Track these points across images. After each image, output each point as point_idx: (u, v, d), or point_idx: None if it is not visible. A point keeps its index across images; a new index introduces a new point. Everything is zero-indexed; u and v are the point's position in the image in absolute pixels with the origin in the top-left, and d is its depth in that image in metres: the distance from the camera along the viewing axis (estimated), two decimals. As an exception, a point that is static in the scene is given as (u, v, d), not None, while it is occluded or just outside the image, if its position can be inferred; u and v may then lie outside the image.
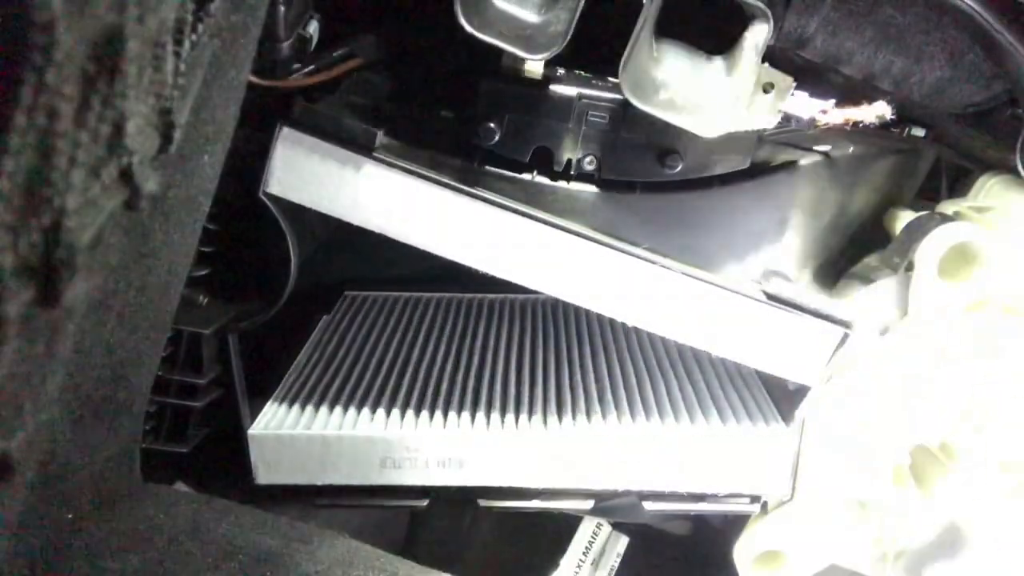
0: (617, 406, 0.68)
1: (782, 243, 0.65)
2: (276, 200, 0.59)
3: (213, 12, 0.32)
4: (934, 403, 0.63)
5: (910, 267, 0.61)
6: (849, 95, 0.65)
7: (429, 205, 0.59)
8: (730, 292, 0.61)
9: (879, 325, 0.62)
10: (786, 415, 0.67)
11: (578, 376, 0.73)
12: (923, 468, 0.68)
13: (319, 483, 0.65)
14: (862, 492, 0.66)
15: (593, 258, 0.60)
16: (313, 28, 0.62)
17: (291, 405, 0.67)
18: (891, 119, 0.67)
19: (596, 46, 0.58)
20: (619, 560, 0.83)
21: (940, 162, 0.72)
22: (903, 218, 0.65)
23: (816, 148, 0.66)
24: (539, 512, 0.68)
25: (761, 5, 0.54)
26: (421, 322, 0.82)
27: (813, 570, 0.71)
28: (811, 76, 0.63)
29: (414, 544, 0.86)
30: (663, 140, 0.62)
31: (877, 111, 0.64)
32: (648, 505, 0.67)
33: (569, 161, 0.62)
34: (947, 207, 0.68)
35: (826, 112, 0.61)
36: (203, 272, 0.64)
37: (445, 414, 0.66)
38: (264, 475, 0.64)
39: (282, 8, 0.58)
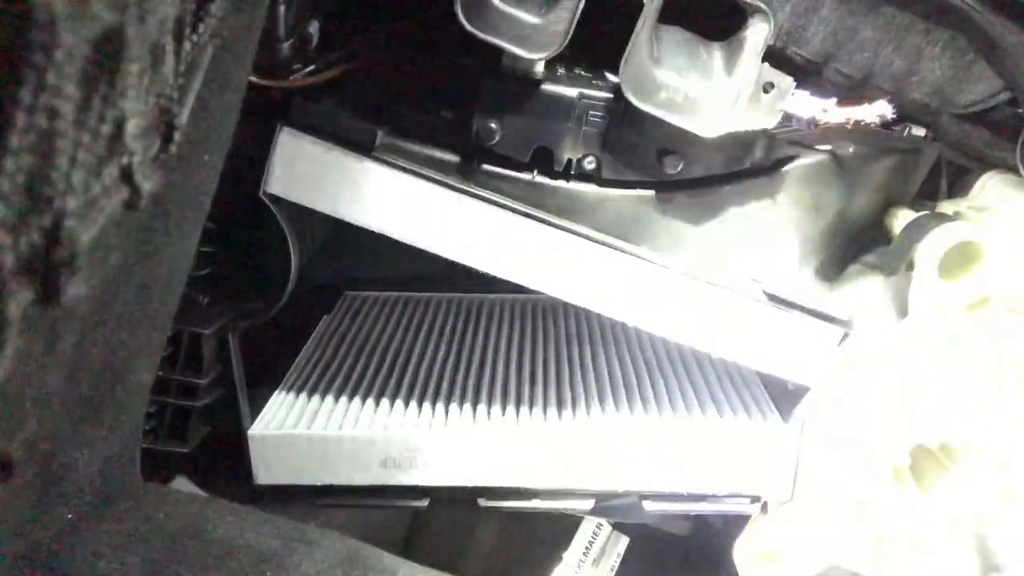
0: (617, 406, 0.68)
1: (782, 243, 0.65)
2: (276, 200, 0.59)
3: (213, 12, 0.32)
4: (934, 403, 0.63)
5: (910, 267, 0.61)
6: (849, 94, 0.65)
7: (429, 205, 0.59)
8: (730, 292, 0.61)
9: (879, 325, 0.62)
10: (786, 415, 0.67)
11: (578, 376, 0.73)
12: (923, 468, 0.68)
13: (319, 483, 0.65)
14: (862, 492, 0.66)
15: (593, 258, 0.60)
16: (313, 28, 0.62)
17: (291, 405, 0.67)
18: (891, 119, 0.67)
19: (596, 46, 0.58)
20: (619, 560, 0.83)
21: (940, 162, 0.72)
22: (903, 218, 0.65)
23: (816, 148, 0.66)
24: (539, 512, 0.68)
25: (761, 5, 0.54)
26: (421, 322, 0.82)
27: (813, 570, 0.71)
28: (811, 76, 0.63)
29: (414, 544, 0.86)
30: (663, 140, 0.61)
31: (877, 110, 0.64)
32: (648, 505, 0.67)
33: (569, 161, 0.62)
34: (947, 207, 0.68)
35: (826, 111, 0.61)
36: (203, 272, 0.64)
37: (445, 414, 0.66)
38: (264, 475, 0.64)
39: (282, 8, 0.58)
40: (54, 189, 0.22)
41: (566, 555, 0.80)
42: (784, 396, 0.68)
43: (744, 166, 0.64)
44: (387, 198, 0.59)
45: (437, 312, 0.85)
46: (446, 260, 0.60)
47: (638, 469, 0.66)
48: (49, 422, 0.45)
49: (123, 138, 0.26)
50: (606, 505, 0.68)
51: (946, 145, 0.71)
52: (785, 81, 0.57)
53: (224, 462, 0.65)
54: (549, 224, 0.59)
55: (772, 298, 0.61)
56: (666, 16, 0.55)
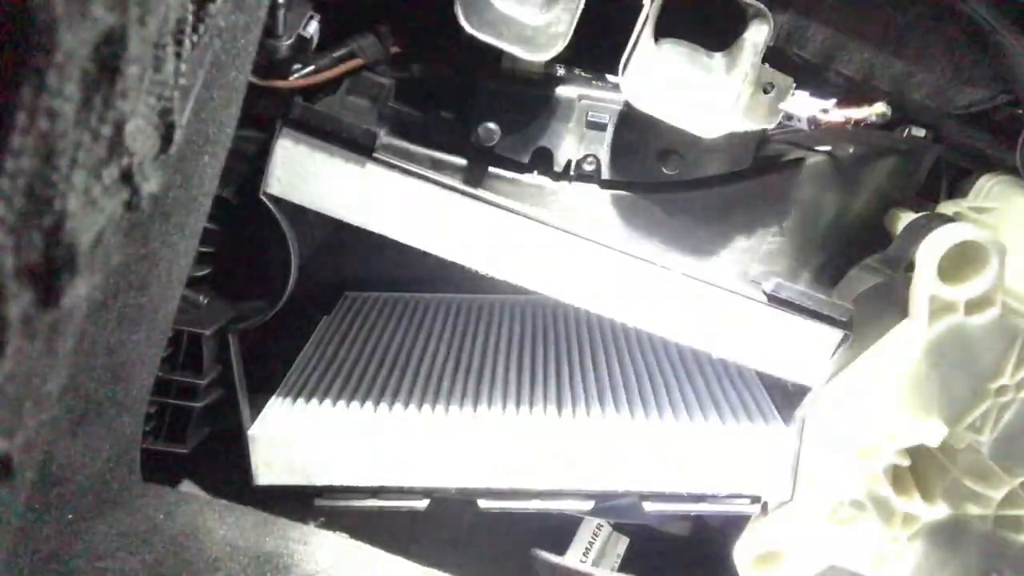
0: (617, 406, 0.68)
1: (782, 243, 0.65)
2: (276, 200, 0.59)
3: (214, 13, 0.32)
4: (934, 403, 0.63)
5: (910, 268, 0.61)
6: (849, 95, 0.65)
7: (429, 206, 0.59)
8: (730, 293, 0.61)
9: (879, 326, 0.62)
10: (786, 415, 0.67)
11: (578, 376, 0.73)
12: (923, 468, 0.68)
13: (319, 483, 0.65)
14: (862, 492, 0.66)
15: (593, 259, 0.60)
16: (313, 28, 0.62)
17: (291, 405, 0.67)
18: (891, 119, 0.67)
19: (596, 47, 0.58)
20: (619, 561, 0.83)
21: (940, 162, 0.72)
22: (903, 218, 0.65)
23: (817, 148, 0.66)
24: (539, 512, 0.68)
25: (761, 5, 0.54)
26: (421, 323, 0.82)
27: (813, 570, 0.70)
28: (811, 76, 0.63)
29: (414, 544, 0.86)
30: (663, 140, 0.62)
31: (877, 111, 0.64)
32: (648, 506, 0.67)
33: (569, 162, 0.62)
34: (947, 207, 0.68)
35: (827, 112, 0.61)
36: (203, 272, 0.64)
37: (445, 414, 0.66)
38: (264, 475, 0.64)
39: (282, 8, 0.58)
40: (54, 190, 0.22)
41: (566, 555, 0.80)
42: (784, 396, 0.68)
43: (744, 167, 0.64)
44: (387, 199, 0.59)
45: (437, 312, 0.85)
46: (446, 261, 0.60)
47: (638, 469, 0.66)
48: (49, 423, 0.45)
49: (123, 139, 0.26)
50: (606, 506, 0.68)
51: (946, 146, 0.71)
52: (785, 82, 0.57)
53: (224, 462, 0.65)
54: (549, 225, 0.59)
55: (772, 299, 0.61)
56: (666, 17, 0.55)
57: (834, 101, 0.62)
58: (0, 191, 0.20)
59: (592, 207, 0.62)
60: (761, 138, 0.64)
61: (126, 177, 0.27)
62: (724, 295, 0.61)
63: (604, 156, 0.62)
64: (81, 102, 0.22)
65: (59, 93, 0.21)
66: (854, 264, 0.67)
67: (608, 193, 0.63)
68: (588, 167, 0.62)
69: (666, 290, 0.61)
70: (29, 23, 0.20)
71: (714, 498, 0.68)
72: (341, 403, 0.67)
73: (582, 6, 0.52)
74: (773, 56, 0.58)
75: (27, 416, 0.25)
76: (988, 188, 0.69)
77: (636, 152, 0.62)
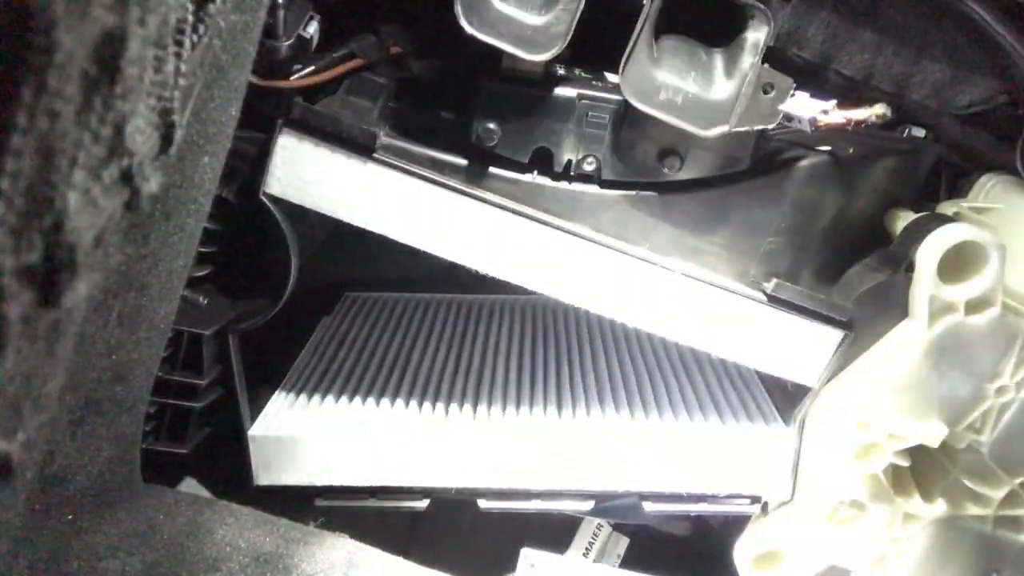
0: (617, 406, 0.68)
1: (782, 243, 0.65)
2: (276, 201, 0.59)
3: (214, 13, 0.32)
4: (934, 403, 0.63)
5: (910, 268, 0.61)
6: (849, 95, 0.65)
7: (429, 206, 0.59)
8: (730, 293, 0.61)
9: (879, 326, 0.62)
10: (786, 415, 0.67)
11: (578, 377, 0.73)
12: (923, 468, 0.68)
13: (319, 484, 0.65)
14: (862, 492, 0.66)
15: (593, 259, 0.60)
16: (313, 28, 0.62)
17: (291, 406, 0.67)
18: (891, 119, 0.67)
19: (596, 46, 0.58)
20: (619, 561, 0.83)
21: (940, 162, 0.72)
22: (903, 218, 0.65)
23: (816, 148, 0.66)
24: (539, 512, 0.68)
25: (760, 6, 0.54)
26: (421, 323, 0.82)
27: (813, 570, 0.71)
28: (811, 77, 0.63)
29: (414, 544, 0.86)
30: (663, 140, 0.62)
31: (878, 112, 0.64)
32: (648, 506, 0.67)
33: (569, 162, 0.62)
34: (947, 207, 0.68)
35: (827, 112, 0.61)
36: (203, 272, 0.64)
37: (445, 414, 0.66)
38: (264, 476, 0.64)
39: (282, 8, 0.58)
40: (54, 190, 0.22)
41: (566, 556, 0.80)
42: (784, 396, 0.68)
43: (744, 167, 0.64)
44: (387, 199, 0.59)
45: (437, 313, 0.85)
46: (446, 261, 0.60)
47: (638, 469, 0.66)
48: (49, 423, 0.45)
49: (123, 139, 0.26)
50: (606, 506, 0.68)
51: (946, 146, 0.71)
52: (785, 82, 0.57)
53: (224, 463, 0.65)
54: (549, 225, 0.59)
55: (772, 299, 0.61)
56: (666, 17, 0.55)
57: (834, 102, 0.62)
58: (0, 191, 0.20)
59: (592, 207, 0.62)
60: (761, 138, 0.64)
61: (126, 177, 0.27)
62: (724, 295, 0.61)
63: (604, 156, 0.62)
64: (81, 102, 0.22)
65: (59, 93, 0.21)
66: (854, 264, 0.67)
67: (608, 193, 0.63)
68: (588, 167, 0.62)
69: (666, 290, 0.61)
70: (29, 23, 0.20)
71: (714, 498, 0.68)
72: (341, 403, 0.67)
73: (582, 6, 0.52)
74: (773, 56, 0.58)
75: (27, 416, 0.25)
76: (988, 188, 0.69)
77: (636, 152, 0.62)
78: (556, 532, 0.82)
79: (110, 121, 0.24)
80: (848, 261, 0.67)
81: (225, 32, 0.43)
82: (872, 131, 0.68)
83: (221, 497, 0.60)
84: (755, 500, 0.68)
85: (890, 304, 0.62)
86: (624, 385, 0.71)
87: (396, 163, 0.58)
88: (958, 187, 0.72)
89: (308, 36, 0.62)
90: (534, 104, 0.60)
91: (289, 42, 0.60)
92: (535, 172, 0.62)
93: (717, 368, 0.76)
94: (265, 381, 0.69)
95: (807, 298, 0.61)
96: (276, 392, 0.68)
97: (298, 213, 0.60)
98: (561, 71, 0.62)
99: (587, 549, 0.82)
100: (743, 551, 0.70)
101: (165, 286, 0.50)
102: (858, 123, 0.64)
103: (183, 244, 0.50)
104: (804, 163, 0.65)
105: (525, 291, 0.61)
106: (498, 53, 0.55)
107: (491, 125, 0.60)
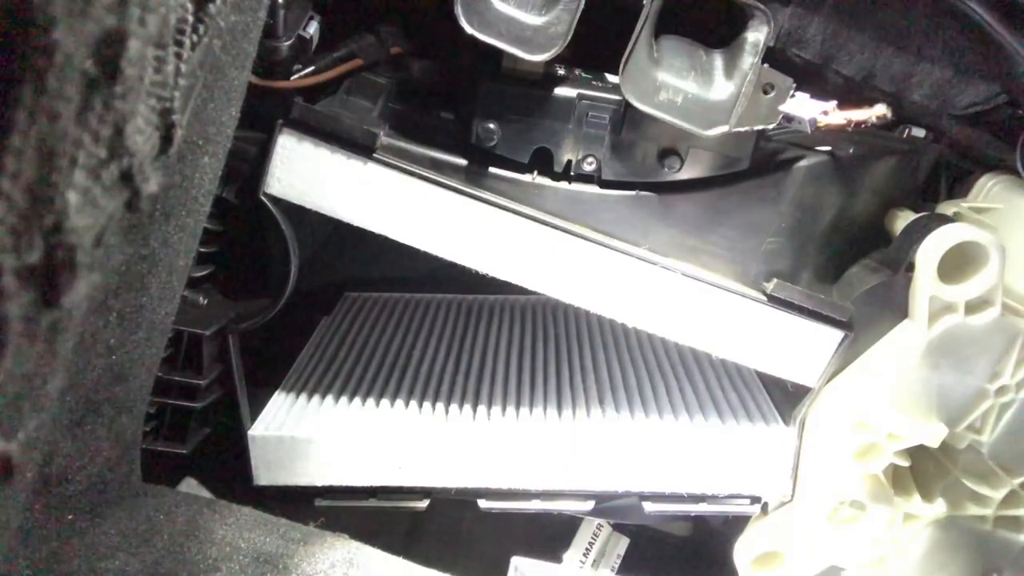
0: (617, 406, 0.68)
1: (782, 243, 0.65)
2: (276, 201, 0.59)
3: (214, 13, 0.32)
4: (934, 403, 0.63)
5: (910, 268, 0.61)
6: (849, 96, 0.65)
7: (429, 206, 0.59)
8: (730, 293, 0.61)
9: (879, 326, 0.62)
10: (786, 415, 0.67)
11: (578, 377, 0.73)
12: (923, 468, 0.68)
13: (319, 484, 0.65)
14: (862, 492, 0.66)
15: (593, 259, 0.60)
16: (313, 28, 0.62)
17: (291, 406, 0.67)
18: (891, 119, 0.67)
19: (596, 47, 0.58)
20: (619, 561, 0.83)
21: (940, 162, 0.72)
22: (903, 218, 0.65)
23: (816, 149, 0.66)
24: (539, 512, 0.68)
25: (761, 6, 0.54)
26: (421, 323, 0.82)
27: (813, 570, 0.71)
28: (811, 77, 0.63)
29: (414, 544, 0.86)
30: (663, 140, 0.62)
31: (877, 112, 0.64)
32: (648, 506, 0.67)
33: (569, 162, 0.62)
34: (947, 207, 0.68)
35: (827, 113, 0.61)
36: (203, 272, 0.64)
37: (445, 415, 0.66)
38: (264, 476, 0.64)
39: (282, 8, 0.58)
40: (55, 190, 0.22)
41: (566, 556, 0.80)
42: (784, 397, 0.68)
43: (744, 167, 0.64)
44: (387, 199, 0.59)
45: (437, 313, 0.85)
46: (446, 261, 0.60)
47: (638, 469, 0.66)
48: (49, 423, 0.45)
49: (123, 139, 0.26)
50: (606, 506, 0.68)
51: (946, 146, 0.71)
52: (785, 82, 0.57)
53: (224, 463, 0.65)
54: (549, 225, 0.59)
55: (772, 299, 0.61)
56: (666, 17, 0.55)
57: (834, 103, 0.62)
58: (0, 191, 0.20)
59: (592, 207, 0.62)
60: (761, 138, 0.64)
61: (126, 177, 0.27)
62: (724, 295, 0.61)
63: (604, 156, 0.62)
64: (81, 103, 0.23)
65: (59, 93, 0.21)
66: (854, 264, 0.67)
67: (608, 193, 0.63)
68: (588, 167, 0.62)
69: (666, 290, 0.61)
70: (29, 23, 0.20)
71: (714, 498, 0.68)
72: (341, 403, 0.67)
73: (582, 6, 0.52)
74: (773, 56, 0.58)
75: (27, 416, 0.25)
76: (988, 188, 0.69)
77: (636, 152, 0.62)
78: (556, 532, 0.82)
79: (110, 121, 0.24)
80: (848, 261, 0.67)
81: (225, 32, 0.43)
82: (872, 131, 0.68)
83: (221, 497, 0.60)
84: (755, 500, 0.68)
85: (890, 304, 0.62)
86: (624, 385, 0.71)
87: (396, 163, 0.58)
88: (958, 187, 0.72)
89: (308, 36, 0.62)
90: (534, 104, 0.60)
91: (289, 42, 0.60)
92: (535, 172, 0.62)
93: (717, 368, 0.76)
94: (265, 381, 0.69)
95: (807, 298, 0.61)
96: (276, 392, 0.68)
97: (298, 213, 0.60)
98: (561, 71, 0.62)
99: (587, 549, 0.82)
100: (743, 551, 0.70)
101: (165, 286, 0.50)
102: (858, 123, 0.64)
103: (183, 244, 0.50)
104: (804, 163, 0.65)
105: (525, 291, 0.61)
106: (498, 53, 0.55)
107: (491, 125, 0.60)
